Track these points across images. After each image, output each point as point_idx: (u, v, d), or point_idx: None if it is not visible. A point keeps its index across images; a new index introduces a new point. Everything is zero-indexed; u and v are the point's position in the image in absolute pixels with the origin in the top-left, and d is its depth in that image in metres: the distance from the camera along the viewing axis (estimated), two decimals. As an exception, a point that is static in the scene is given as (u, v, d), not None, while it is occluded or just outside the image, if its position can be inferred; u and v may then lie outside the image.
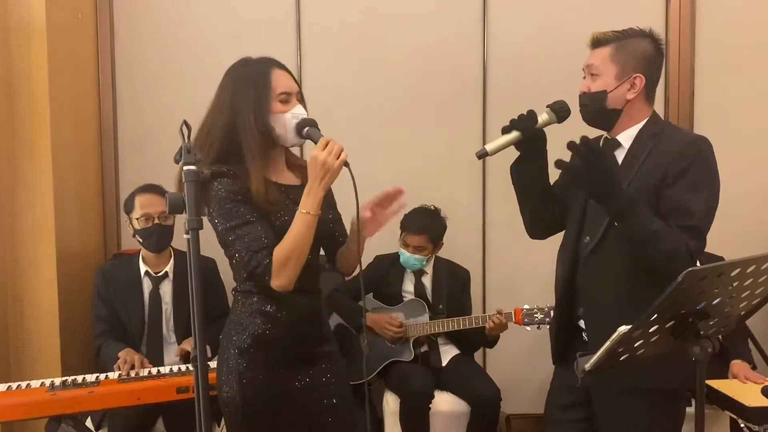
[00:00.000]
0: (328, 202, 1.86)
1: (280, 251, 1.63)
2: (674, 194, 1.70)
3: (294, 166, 1.85)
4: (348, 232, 1.85)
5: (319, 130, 1.72)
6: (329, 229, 1.85)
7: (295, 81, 1.77)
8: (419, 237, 3.01)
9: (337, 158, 1.62)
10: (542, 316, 2.75)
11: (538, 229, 2.05)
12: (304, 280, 1.71)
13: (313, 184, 1.63)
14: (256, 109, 1.68)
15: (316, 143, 1.66)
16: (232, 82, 1.73)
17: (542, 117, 1.86)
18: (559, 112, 1.86)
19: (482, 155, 1.85)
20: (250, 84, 1.70)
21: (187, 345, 2.55)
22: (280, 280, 1.63)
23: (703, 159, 1.73)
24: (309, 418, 1.79)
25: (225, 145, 1.69)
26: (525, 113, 1.85)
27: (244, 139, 1.68)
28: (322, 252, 1.90)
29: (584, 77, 1.87)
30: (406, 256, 3.04)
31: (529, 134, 1.85)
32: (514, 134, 1.85)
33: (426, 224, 3.02)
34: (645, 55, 1.81)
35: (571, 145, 1.62)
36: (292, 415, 1.76)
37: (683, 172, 1.71)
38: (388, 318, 2.96)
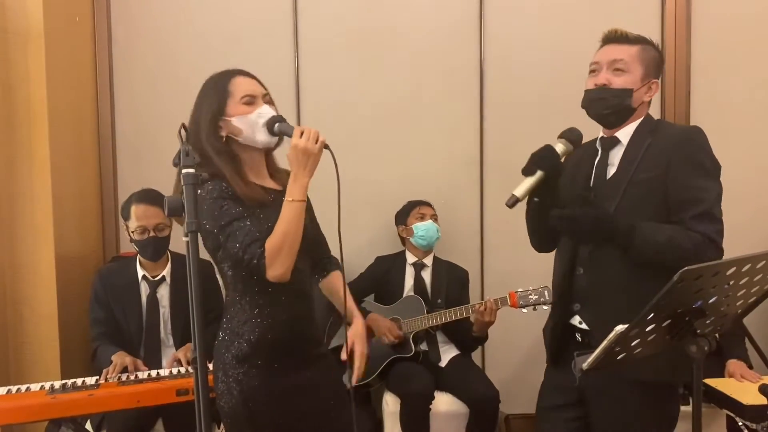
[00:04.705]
0: (308, 209, 1.88)
1: (272, 241, 1.66)
2: (682, 183, 1.73)
3: (274, 174, 1.88)
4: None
5: (288, 124, 1.76)
6: (312, 234, 1.88)
7: (262, 85, 1.82)
8: (429, 206, 3.17)
9: (316, 142, 1.67)
10: (537, 296, 2.76)
11: (547, 246, 2.07)
12: (296, 282, 1.74)
13: (298, 171, 1.68)
14: (213, 115, 1.75)
15: (290, 136, 1.71)
16: (197, 97, 1.81)
17: (559, 148, 1.84)
18: (575, 141, 1.86)
19: (514, 203, 1.82)
20: (210, 93, 1.78)
21: (181, 353, 2.55)
22: (275, 269, 1.65)
23: (705, 147, 1.77)
24: (309, 419, 1.81)
25: (199, 155, 1.74)
26: (541, 150, 1.83)
27: (208, 146, 1.73)
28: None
29: (593, 71, 1.86)
30: (426, 226, 3.09)
31: (554, 172, 1.84)
32: (539, 174, 1.82)
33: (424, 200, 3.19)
34: (658, 63, 1.86)
35: (556, 220, 1.72)
36: (293, 417, 1.78)
37: (688, 159, 1.74)
38: (390, 325, 2.97)
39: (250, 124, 1.75)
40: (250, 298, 1.75)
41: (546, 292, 2.74)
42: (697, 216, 1.70)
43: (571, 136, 1.86)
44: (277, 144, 1.81)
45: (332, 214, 1.74)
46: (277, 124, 1.75)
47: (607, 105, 1.82)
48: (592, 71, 1.87)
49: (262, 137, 1.76)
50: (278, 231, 1.67)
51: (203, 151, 1.73)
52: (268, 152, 1.86)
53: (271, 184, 1.84)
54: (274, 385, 1.75)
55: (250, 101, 1.76)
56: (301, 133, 1.68)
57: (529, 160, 1.83)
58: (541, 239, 2.06)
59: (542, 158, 1.82)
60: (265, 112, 1.76)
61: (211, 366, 2.40)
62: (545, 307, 2.71)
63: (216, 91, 1.77)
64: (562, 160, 1.85)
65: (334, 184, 1.71)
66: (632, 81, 1.81)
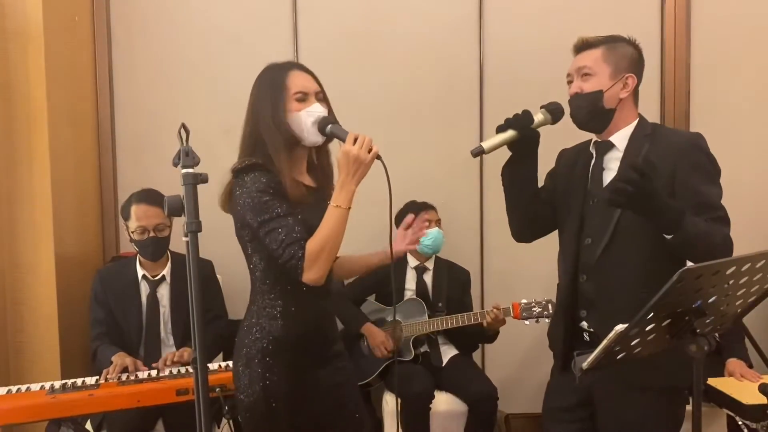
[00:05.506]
0: None
1: (312, 244, 1.65)
2: (693, 189, 1.73)
3: (311, 170, 1.87)
4: None
5: (341, 127, 1.75)
6: None
7: (317, 81, 1.81)
8: (433, 211, 3.14)
9: (369, 151, 1.67)
10: (540, 309, 2.75)
11: (528, 231, 2.07)
12: (325, 282, 1.74)
13: (346, 178, 1.67)
14: (273, 109, 1.73)
15: (343, 140, 1.70)
16: (255, 86, 1.79)
17: (537, 117, 1.88)
18: (554, 112, 1.88)
19: (478, 153, 1.85)
20: (268, 86, 1.76)
21: (180, 355, 2.54)
22: (312, 273, 1.65)
23: (709, 153, 1.79)
24: (326, 416, 1.83)
25: (250, 146, 1.75)
26: (520, 113, 1.87)
27: (267, 138, 1.72)
28: None
29: (570, 81, 1.89)
30: (434, 235, 3.02)
31: (525, 133, 1.87)
32: (510, 133, 1.86)
33: (428, 202, 3.15)
34: (633, 57, 1.86)
35: (624, 176, 1.58)
36: (311, 413, 1.80)
37: (696, 167, 1.75)
38: (383, 339, 2.97)
39: (298, 121, 1.73)
40: (278, 294, 1.76)
41: (549, 305, 2.73)
42: (716, 219, 1.72)
43: (551, 107, 1.89)
44: (326, 142, 1.80)
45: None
46: (329, 126, 1.73)
47: (584, 111, 1.85)
48: (568, 83, 1.90)
49: (311, 136, 1.75)
50: (320, 235, 1.66)
51: (260, 141, 1.73)
52: (311, 149, 1.84)
53: (308, 180, 1.83)
54: (297, 382, 1.76)
55: (302, 98, 1.75)
56: (355, 140, 1.67)
57: (505, 120, 1.87)
58: (518, 222, 2.05)
59: (517, 119, 1.86)
60: (315, 110, 1.74)
61: (212, 365, 2.41)
62: (547, 320, 2.70)
63: (274, 85, 1.75)
64: (539, 129, 1.89)
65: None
66: (600, 83, 1.83)
